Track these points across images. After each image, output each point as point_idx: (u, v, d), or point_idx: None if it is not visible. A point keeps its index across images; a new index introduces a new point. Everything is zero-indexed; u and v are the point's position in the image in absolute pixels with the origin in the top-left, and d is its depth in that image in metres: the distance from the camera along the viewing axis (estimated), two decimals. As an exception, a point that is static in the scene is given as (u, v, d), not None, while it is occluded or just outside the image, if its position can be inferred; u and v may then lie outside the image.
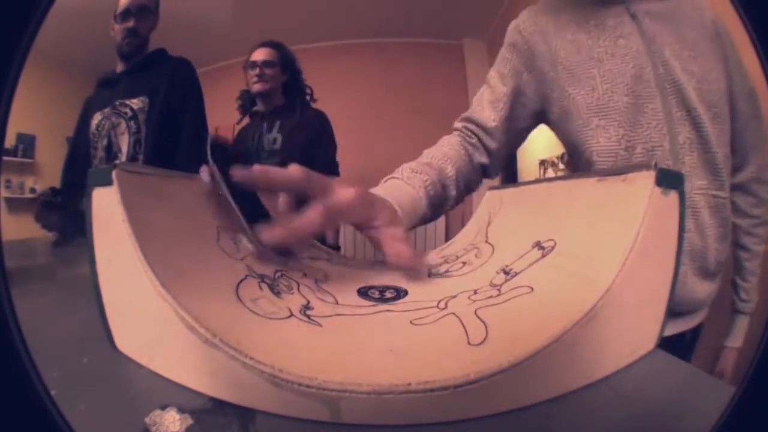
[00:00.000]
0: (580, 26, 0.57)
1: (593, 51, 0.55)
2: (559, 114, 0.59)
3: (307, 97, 1.37)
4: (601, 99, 0.54)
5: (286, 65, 1.31)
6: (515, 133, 0.63)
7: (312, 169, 1.17)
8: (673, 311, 0.26)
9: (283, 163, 1.17)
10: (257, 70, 1.24)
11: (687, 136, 0.53)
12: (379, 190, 0.44)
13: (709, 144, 0.53)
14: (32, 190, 3.13)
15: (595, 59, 0.55)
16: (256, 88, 1.26)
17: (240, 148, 1.31)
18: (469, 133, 0.61)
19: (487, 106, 0.61)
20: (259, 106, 1.31)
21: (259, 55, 1.27)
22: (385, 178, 0.50)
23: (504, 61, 0.62)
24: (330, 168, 1.27)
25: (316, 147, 1.24)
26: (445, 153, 0.57)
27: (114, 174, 0.24)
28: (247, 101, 1.37)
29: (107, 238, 0.24)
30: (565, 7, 0.59)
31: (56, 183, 1.08)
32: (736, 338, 0.68)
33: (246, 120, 1.39)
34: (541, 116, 0.63)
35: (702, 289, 0.57)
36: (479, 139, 0.61)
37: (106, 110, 1.03)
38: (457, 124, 0.63)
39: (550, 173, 2.11)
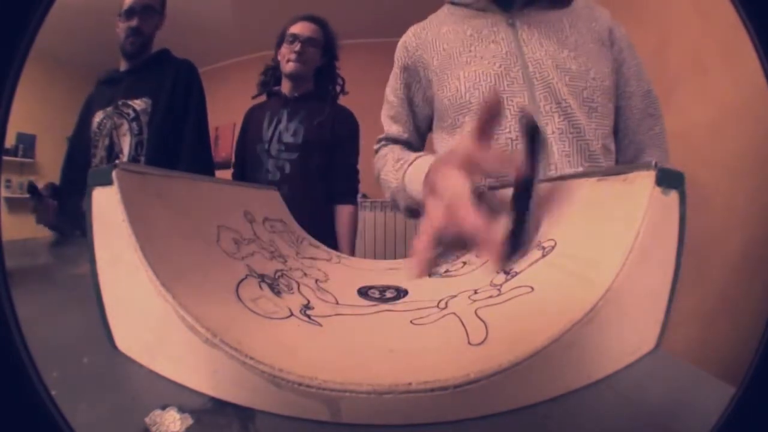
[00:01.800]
0: (456, 36, 0.62)
1: (462, 57, 0.60)
2: (438, 115, 0.65)
3: (339, 88, 1.20)
4: (463, 98, 0.59)
5: (328, 48, 1.14)
6: (423, 136, 0.71)
7: (329, 171, 1.15)
8: None
9: (302, 161, 1.15)
10: (298, 46, 1.07)
11: (557, 127, 0.56)
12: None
13: (582, 132, 0.56)
14: (31, 184, 3.12)
15: (463, 63, 0.60)
16: (291, 67, 1.08)
17: (251, 130, 1.15)
18: (393, 144, 0.69)
19: (391, 122, 0.69)
20: (285, 88, 1.14)
21: (304, 29, 1.09)
22: (416, 156, 0.55)
23: (395, 77, 0.69)
24: (351, 174, 1.16)
25: (339, 148, 1.12)
26: (400, 151, 0.63)
27: (114, 174, 0.24)
28: (271, 79, 1.19)
29: (107, 237, 0.24)
30: (449, 20, 0.65)
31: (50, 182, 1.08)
32: None
33: (260, 98, 1.21)
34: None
35: None
36: (405, 147, 0.68)
37: (108, 109, 1.03)
38: (377, 145, 0.71)
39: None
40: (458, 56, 0.60)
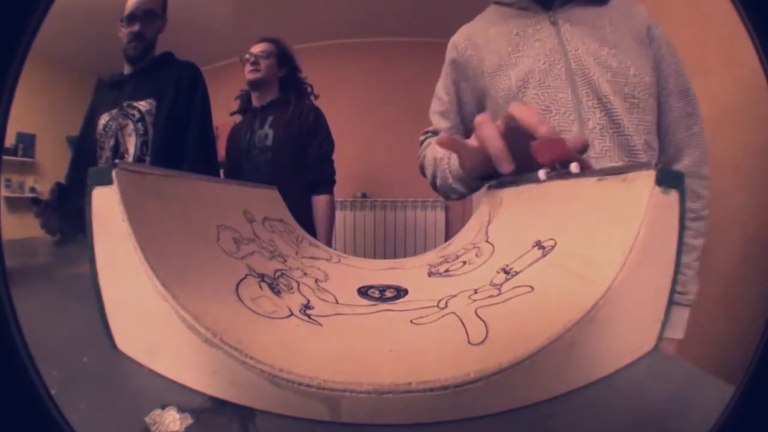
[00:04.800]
0: (504, 36, 0.65)
1: (512, 57, 0.63)
2: (493, 113, 0.67)
3: (308, 92, 1.35)
4: (516, 96, 0.62)
5: (283, 59, 1.30)
6: (468, 132, 0.72)
7: (304, 166, 1.20)
8: None
9: (275, 160, 1.21)
10: (252, 59, 1.25)
11: (598, 122, 0.58)
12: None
13: (622, 128, 0.58)
14: (32, 189, 3.13)
15: (513, 63, 0.63)
16: (250, 76, 1.25)
17: (232, 145, 1.30)
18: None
19: (439, 117, 0.73)
20: (254, 101, 1.30)
21: (256, 47, 1.27)
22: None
23: (445, 75, 0.73)
24: (323, 165, 1.25)
25: (308, 143, 1.23)
26: (439, 149, 0.65)
27: (114, 173, 0.24)
28: (245, 99, 1.36)
29: (107, 237, 0.24)
30: (496, 20, 0.68)
31: (56, 182, 1.08)
32: (674, 329, 0.69)
33: (237, 116, 1.38)
34: None
35: None
36: None
37: (114, 111, 1.04)
38: (422, 137, 0.75)
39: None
40: (508, 57, 0.63)
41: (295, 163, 1.20)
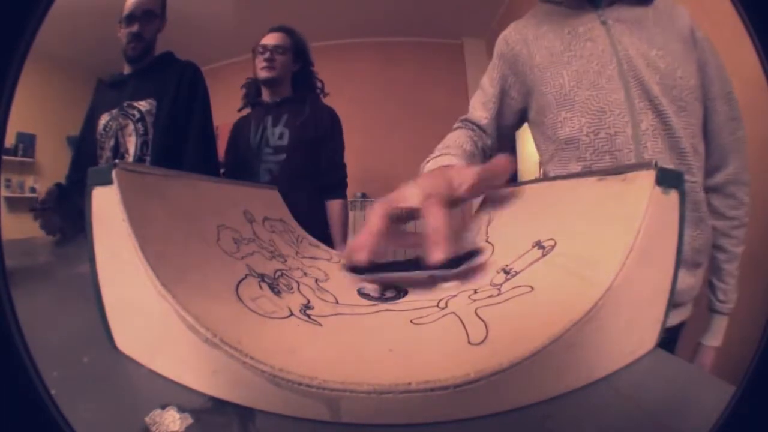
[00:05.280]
0: (555, 34, 0.65)
1: (564, 55, 0.63)
2: (537, 110, 0.68)
3: (319, 89, 1.28)
4: (568, 95, 0.62)
5: (298, 53, 1.22)
6: (504, 129, 0.73)
7: (317, 169, 1.16)
8: None
9: (289, 161, 1.16)
10: (267, 54, 1.15)
11: (650, 124, 0.58)
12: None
13: (673, 130, 0.58)
14: (32, 189, 3.13)
15: (565, 62, 0.63)
16: (264, 74, 1.16)
17: (239, 139, 1.22)
18: (470, 125, 0.71)
19: (479, 107, 0.72)
20: (265, 96, 1.21)
21: (270, 39, 1.18)
22: (438, 155, 0.56)
23: (493, 67, 0.73)
24: (337, 168, 1.22)
25: (324, 145, 1.18)
26: (458, 137, 0.66)
27: (114, 173, 0.24)
28: (252, 90, 1.27)
29: (107, 237, 0.24)
30: (546, 18, 0.69)
31: (56, 182, 1.08)
32: (714, 337, 0.69)
33: (246, 110, 1.29)
34: (523, 115, 0.73)
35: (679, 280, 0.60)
36: (477, 133, 0.70)
37: (114, 111, 1.04)
38: (457, 124, 0.73)
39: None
40: (560, 55, 0.64)
41: (308, 164, 1.16)
